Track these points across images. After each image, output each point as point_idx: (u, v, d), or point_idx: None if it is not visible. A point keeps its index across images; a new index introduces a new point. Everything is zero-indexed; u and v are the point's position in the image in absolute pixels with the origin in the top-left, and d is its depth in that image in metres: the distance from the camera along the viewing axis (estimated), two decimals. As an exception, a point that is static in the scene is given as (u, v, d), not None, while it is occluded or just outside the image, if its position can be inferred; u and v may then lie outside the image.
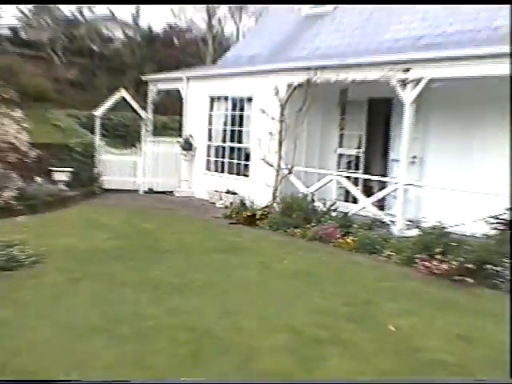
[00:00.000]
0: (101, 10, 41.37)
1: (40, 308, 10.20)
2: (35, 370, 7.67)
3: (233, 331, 9.22)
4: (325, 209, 17.68)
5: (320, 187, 18.71)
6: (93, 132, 25.16)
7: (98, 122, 24.75)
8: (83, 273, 12.37)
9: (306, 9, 24.19)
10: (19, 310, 10.04)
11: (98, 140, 24.70)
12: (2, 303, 10.32)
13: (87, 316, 9.77)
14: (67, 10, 38.34)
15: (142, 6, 38.68)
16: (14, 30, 40.43)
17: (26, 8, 39.05)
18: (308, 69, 18.71)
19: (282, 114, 19.46)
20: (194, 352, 8.36)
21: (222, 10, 39.66)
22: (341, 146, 20.93)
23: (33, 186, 18.15)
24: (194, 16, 39.51)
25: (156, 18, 51.81)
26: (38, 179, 20.03)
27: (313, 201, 18.16)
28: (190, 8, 38.76)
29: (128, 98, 25.27)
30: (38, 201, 18.62)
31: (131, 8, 38.64)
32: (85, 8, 38.22)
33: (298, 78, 18.99)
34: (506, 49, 13.77)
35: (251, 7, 41.00)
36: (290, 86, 19.35)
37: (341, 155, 20.93)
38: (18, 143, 12.78)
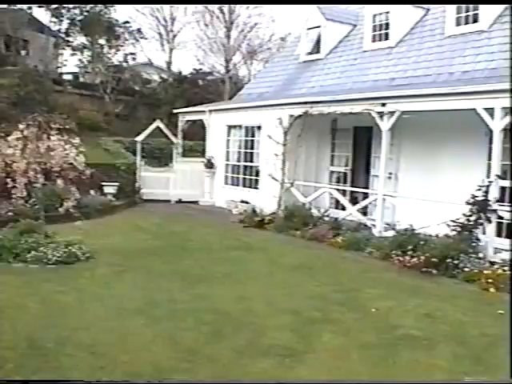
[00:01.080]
0: (141, 58, 41.61)
1: (94, 294, 10.27)
2: (91, 343, 7.70)
3: (246, 313, 9.27)
4: (319, 215, 17.67)
5: (316, 197, 18.72)
6: (135, 154, 25.20)
7: (139, 147, 24.83)
8: (127, 266, 12.45)
9: (304, 56, 24.20)
10: (78, 295, 10.12)
11: (138, 160, 24.77)
12: (65, 290, 10.39)
13: (130, 300, 9.82)
14: (116, 59, 38.57)
15: (174, 56, 38.84)
16: (74, 75, 40.65)
17: (84, 58, 39.29)
18: (305, 103, 18.77)
19: (285, 139, 19.49)
20: (216, 329, 8.41)
21: (237, 57, 39.89)
22: (332, 164, 20.90)
23: (87, 197, 18.23)
24: (215, 62, 39.71)
25: (185, 64, 52.11)
26: (92, 192, 20.11)
27: (310, 208, 18.18)
28: (212, 56, 39.00)
29: (162, 127, 25.36)
30: (91, 209, 18.68)
31: (166, 57, 38.78)
32: (129, 57, 38.37)
33: (298, 111, 19.01)
34: (459, 89, 14.05)
35: (261, 55, 41.24)
36: (291, 116, 19.37)
37: (332, 172, 20.89)
38: (77, 164, 12.77)
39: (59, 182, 13.02)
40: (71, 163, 12.91)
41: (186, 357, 7.33)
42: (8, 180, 13.06)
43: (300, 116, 19.00)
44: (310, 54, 24.03)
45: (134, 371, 6.84)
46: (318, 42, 23.68)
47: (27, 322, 8.48)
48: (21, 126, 13.21)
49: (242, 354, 7.48)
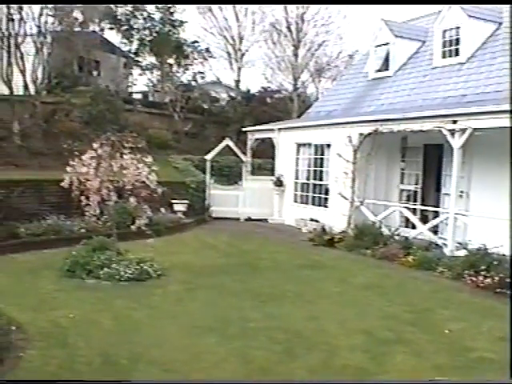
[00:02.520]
0: (210, 77, 42.14)
1: (166, 311, 10.46)
2: (164, 360, 7.85)
3: (318, 332, 9.30)
4: (390, 233, 17.55)
5: (386, 216, 18.61)
6: (204, 172, 25.48)
7: (208, 165, 25.10)
8: (198, 284, 12.62)
9: (372, 73, 24.17)
10: (151, 312, 10.31)
11: (208, 178, 25.03)
12: (137, 306, 10.59)
13: (202, 318, 9.97)
14: (185, 78, 39.19)
15: (242, 74, 39.18)
16: (144, 94, 41.39)
17: (154, 78, 40.08)
18: (375, 121, 18.73)
19: (354, 158, 19.47)
20: (288, 349, 8.46)
21: (305, 75, 39.93)
22: (402, 182, 20.73)
23: (158, 215, 18.46)
24: (283, 80, 39.84)
25: (253, 82, 52.47)
26: (162, 209, 20.32)
27: (380, 227, 18.05)
28: (279, 74, 39.14)
29: (232, 145, 25.60)
30: (161, 226, 18.95)
31: (234, 75, 39.10)
32: (198, 76, 38.94)
33: (367, 129, 18.98)
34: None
35: (328, 73, 41.23)
36: (360, 135, 19.34)
37: (402, 190, 20.72)
38: (149, 182, 13.02)
39: (132, 200, 13.27)
40: (143, 181, 13.17)
41: (259, 375, 7.41)
42: (82, 198, 13.38)
43: (370, 134, 18.95)
44: (379, 71, 24.00)
45: (208, 390, 6.96)
46: (387, 59, 23.64)
47: (101, 338, 8.70)
48: (95, 145, 13.56)
49: (315, 374, 7.52)
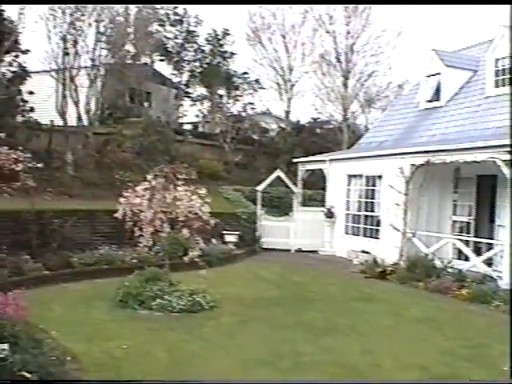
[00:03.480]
0: (260, 107, 42.41)
1: (218, 343, 10.44)
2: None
3: (373, 367, 9.19)
4: (442, 266, 17.34)
5: (438, 248, 18.38)
6: (254, 203, 25.56)
7: (259, 196, 25.17)
8: (250, 316, 12.57)
9: (423, 104, 24.07)
10: (203, 344, 10.31)
11: (259, 209, 25.09)
12: (190, 338, 10.60)
13: (255, 351, 9.92)
14: (235, 109, 39.57)
15: (292, 105, 39.34)
16: (194, 125, 41.82)
17: (204, 108, 40.54)
18: (427, 152, 18.58)
19: (406, 189, 19.32)
20: (342, 384, 8.35)
21: (355, 105, 39.88)
22: (455, 213, 20.46)
23: (209, 246, 18.54)
24: (333, 110, 39.81)
25: (303, 113, 52.57)
26: (214, 240, 20.46)
27: (432, 259, 17.84)
28: (329, 104, 39.12)
29: (283, 176, 25.66)
30: (212, 257, 18.92)
31: (284, 106, 39.26)
32: (248, 107, 39.28)
33: (419, 160, 18.84)
34: None
35: (378, 103, 41.13)
36: (412, 165, 19.20)
37: (455, 221, 20.44)
38: (202, 214, 13.09)
39: (185, 231, 13.33)
40: (196, 213, 13.24)
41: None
42: (135, 228, 13.51)
43: (422, 165, 18.80)
44: (430, 101, 23.90)
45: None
46: (438, 88, 23.54)
47: (156, 371, 8.73)
48: (148, 177, 13.71)
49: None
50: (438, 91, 23.61)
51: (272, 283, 16.95)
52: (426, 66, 24.24)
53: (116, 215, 13.65)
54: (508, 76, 20.08)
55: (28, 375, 7.10)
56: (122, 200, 13.64)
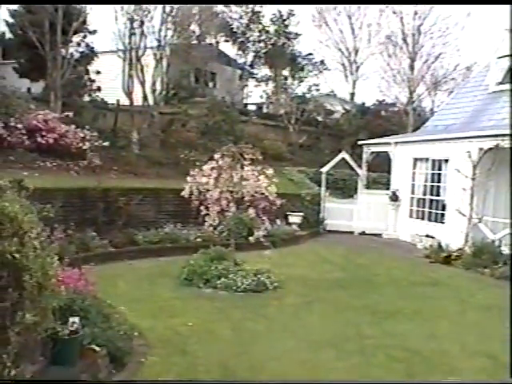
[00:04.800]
0: (325, 89, 42.17)
1: (283, 323, 10.46)
2: (285, 375, 7.84)
3: (438, 353, 9.05)
4: (510, 253, 16.95)
5: (506, 234, 17.96)
6: (318, 185, 25.49)
7: (324, 177, 25.08)
8: (314, 297, 12.57)
9: (493, 86, 23.51)
10: (268, 324, 10.34)
11: (323, 191, 25.01)
12: (255, 318, 10.64)
13: (319, 332, 9.91)
14: (299, 90, 39.48)
15: (357, 87, 39.08)
16: (259, 106, 41.84)
17: (269, 89, 40.51)
18: (496, 136, 18.16)
19: (473, 173, 18.91)
20: (408, 368, 8.30)
21: (421, 88, 39.28)
22: (524, 199, 20.03)
23: (274, 227, 18.56)
24: (398, 93, 39.31)
25: (368, 95, 52.11)
26: (278, 221, 20.49)
27: (500, 246, 17.48)
28: (395, 87, 38.61)
29: (348, 158, 25.45)
30: (276, 238, 18.95)
31: (349, 88, 39.03)
32: (313, 88, 39.10)
33: (488, 144, 18.45)
34: None
35: (445, 86, 40.44)
36: (480, 150, 18.79)
37: (524, 207, 20.02)
38: (268, 194, 13.11)
39: (251, 211, 13.39)
40: (262, 193, 13.25)
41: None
42: (201, 207, 13.60)
43: (490, 149, 18.41)
44: (501, 83, 23.29)
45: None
46: (510, 70, 22.93)
47: (220, 348, 8.78)
48: (216, 156, 13.77)
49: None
50: (509, 73, 23.01)
51: (336, 265, 16.89)
52: (497, 48, 23.64)
53: (182, 194, 13.80)
54: None
55: (97, 349, 7.23)
56: (188, 179, 13.77)
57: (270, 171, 13.62)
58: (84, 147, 19.85)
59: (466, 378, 8.03)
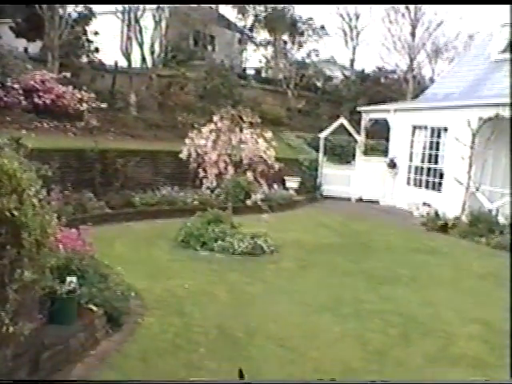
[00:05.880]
0: (324, 55, 41.87)
1: (279, 286, 10.55)
2: (280, 336, 7.90)
3: (434, 319, 9.16)
4: (506, 222, 17.01)
5: (502, 204, 17.99)
6: (316, 150, 25.45)
7: (322, 143, 25.01)
8: (311, 261, 12.67)
9: (495, 55, 23.37)
10: (264, 287, 10.42)
11: (321, 157, 24.96)
12: (251, 281, 10.71)
13: (315, 296, 9.99)
14: (299, 55, 39.21)
15: (357, 53, 38.92)
16: (257, 70, 41.59)
17: (268, 54, 40.21)
18: (497, 105, 18.09)
19: (472, 142, 18.85)
20: (403, 333, 8.39)
21: (421, 56, 39.13)
22: (521, 169, 20.04)
23: (271, 191, 18.55)
24: (398, 60, 39.13)
25: (368, 62, 51.84)
26: (275, 186, 20.49)
27: (496, 215, 17.53)
28: (395, 54, 38.42)
29: (346, 124, 25.32)
30: (273, 202, 19.02)
31: (349, 54, 38.87)
32: (312, 54, 38.80)
33: (488, 113, 18.36)
34: None
35: (446, 54, 40.29)
36: (480, 119, 18.71)
37: (521, 177, 20.04)
38: (266, 157, 13.09)
39: (249, 174, 13.38)
40: (261, 156, 13.24)
41: (375, 358, 7.36)
42: (200, 170, 13.60)
43: (490, 118, 18.35)
44: (503, 52, 23.13)
45: (324, 369, 6.94)
46: (510, 41, 22.77)
47: (217, 310, 8.86)
48: (215, 118, 13.72)
49: (430, 362, 7.40)
50: None
51: (332, 230, 16.94)
52: (501, 15, 23.47)
53: (180, 156, 13.77)
54: None
55: (94, 308, 7.28)
56: (186, 141, 13.74)
57: (269, 134, 13.59)
58: (81, 108, 19.77)
59: (459, 344, 8.10)
